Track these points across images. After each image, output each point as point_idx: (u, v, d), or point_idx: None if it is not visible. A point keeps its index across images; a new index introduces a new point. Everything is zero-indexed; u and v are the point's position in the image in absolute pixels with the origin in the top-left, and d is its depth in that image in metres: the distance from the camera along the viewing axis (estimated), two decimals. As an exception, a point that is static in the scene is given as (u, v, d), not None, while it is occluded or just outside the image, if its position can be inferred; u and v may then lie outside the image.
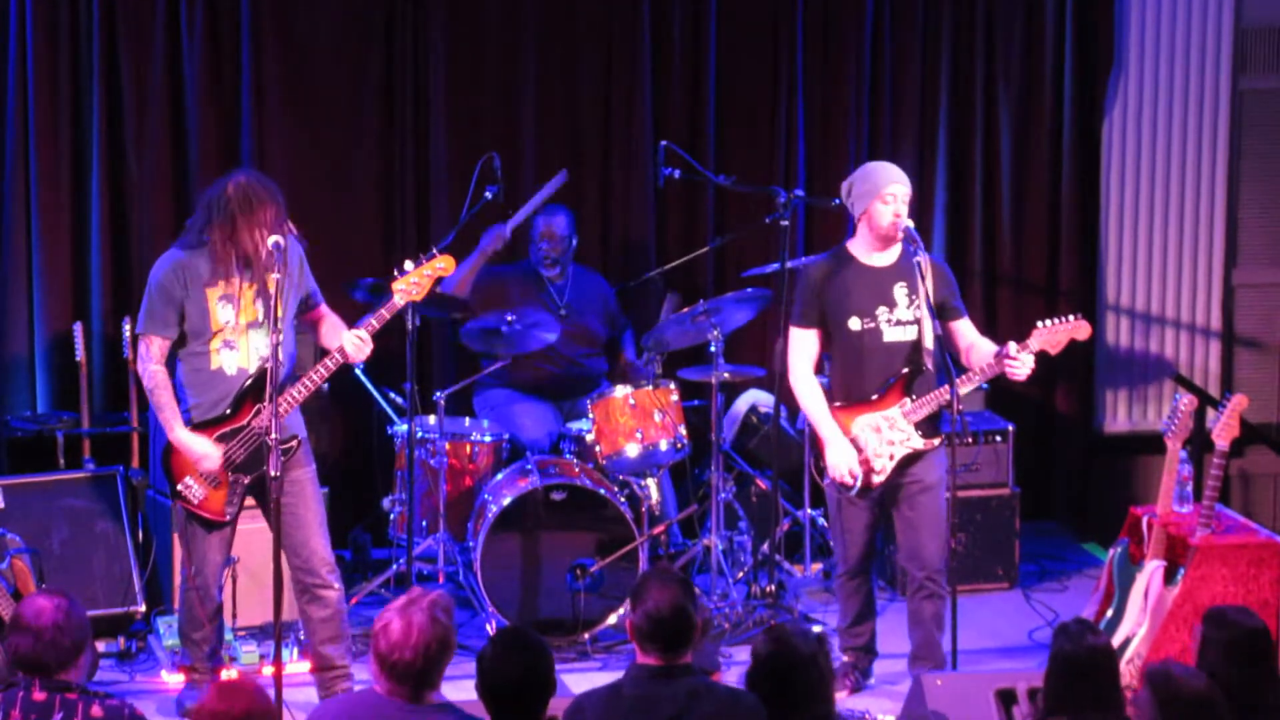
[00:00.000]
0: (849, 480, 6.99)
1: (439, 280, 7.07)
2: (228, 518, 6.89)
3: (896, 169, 7.06)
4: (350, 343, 6.77)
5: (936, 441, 7.04)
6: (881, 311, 7.00)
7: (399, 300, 6.86)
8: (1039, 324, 7.03)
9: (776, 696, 4.98)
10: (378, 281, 7.84)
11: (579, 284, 8.58)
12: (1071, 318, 7.04)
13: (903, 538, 7.17)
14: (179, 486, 6.84)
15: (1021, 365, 6.94)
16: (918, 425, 7.02)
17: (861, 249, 7.07)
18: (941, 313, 7.05)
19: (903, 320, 7.01)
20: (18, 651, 4.98)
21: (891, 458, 7.03)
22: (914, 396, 7.01)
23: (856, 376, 7.03)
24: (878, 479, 7.04)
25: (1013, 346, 6.94)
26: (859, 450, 7.01)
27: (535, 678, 4.83)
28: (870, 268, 7.04)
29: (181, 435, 6.80)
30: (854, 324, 7.01)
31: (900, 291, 7.01)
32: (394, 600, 4.95)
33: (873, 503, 7.11)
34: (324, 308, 7.05)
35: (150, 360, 6.80)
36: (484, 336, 8.27)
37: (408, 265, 6.90)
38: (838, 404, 7.08)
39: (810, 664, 4.98)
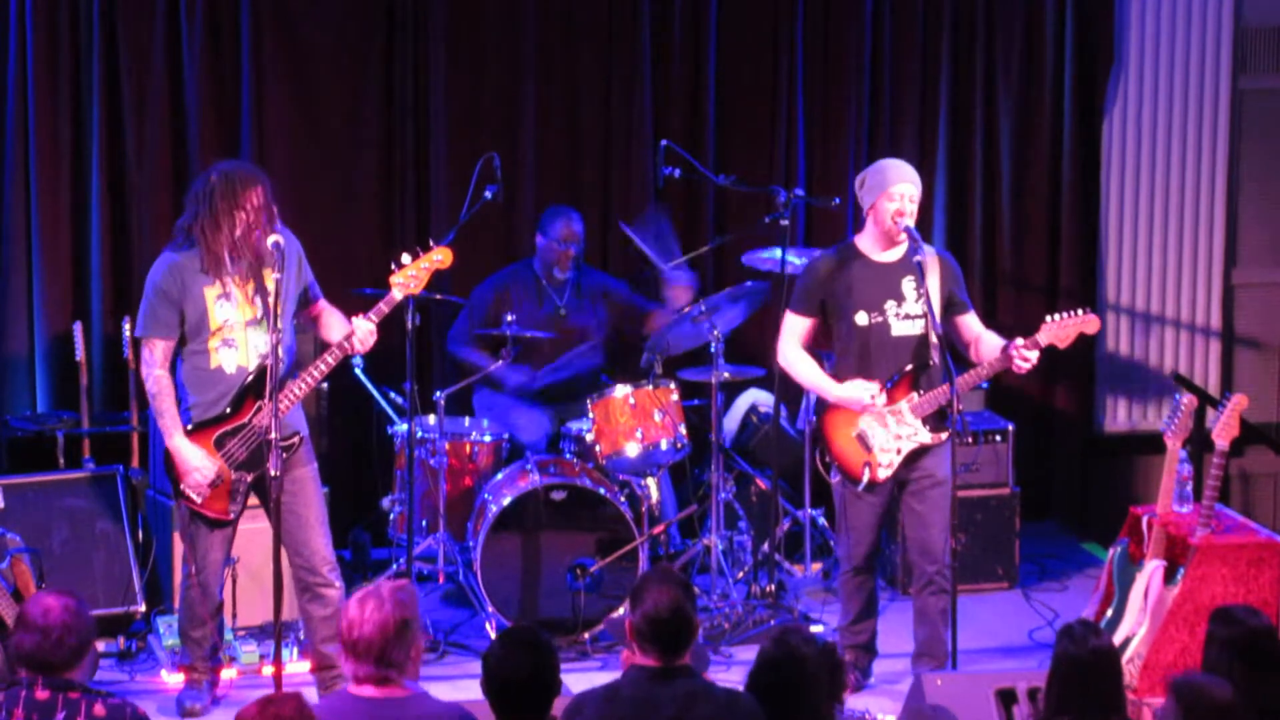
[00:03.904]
0: (875, 401, 6.96)
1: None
2: (231, 516, 6.90)
3: (909, 169, 7.06)
4: (362, 328, 6.75)
5: (944, 436, 7.03)
6: (890, 305, 7.00)
7: (397, 294, 6.85)
8: (1048, 318, 7.03)
9: (779, 701, 4.97)
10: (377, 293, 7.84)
11: (581, 284, 8.57)
12: (1080, 311, 7.04)
13: (912, 532, 7.16)
14: (182, 486, 6.84)
15: (1027, 360, 6.94)
16: (925, 420, 7.02)
17: (869, 244, 7.08)
18: (948, 307, 7.06)
19: (911, 314, 7.01)
20: (24, 650, 4.97)
21: (899, 452, 7.03)
22: (921, 391, 7.01)
23: (863, 371, 7.03)
24: (884, 473, 7.04)
25: (1020, 342, 6.95)
26: (866, 446, 7.01)
27: (541, 676, 4.82)
28: (878, 263, 7.04)
29: (179, 444, 6.80)
30: (861, 319, 7.01)
31: (909, 285, 7.02)
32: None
33: (880, 499, 7.11)
34: (323, 302, 7.04)
35: (154, 365, 6.80)
36: (484, 341, 8.32)
37: (405, 258, 6.90)
38: (844, 398, 7.09)
39: (815, 671, 4.96)
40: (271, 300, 6.59)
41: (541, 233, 8.48)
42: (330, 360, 6.79)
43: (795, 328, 7.13)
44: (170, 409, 6.80)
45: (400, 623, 4.85)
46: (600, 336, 8.58)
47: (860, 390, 6.98)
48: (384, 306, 6.83)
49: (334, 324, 6.97)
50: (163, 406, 6.81)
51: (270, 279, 6.63)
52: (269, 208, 6.73)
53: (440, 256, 6.92)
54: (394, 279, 6.86)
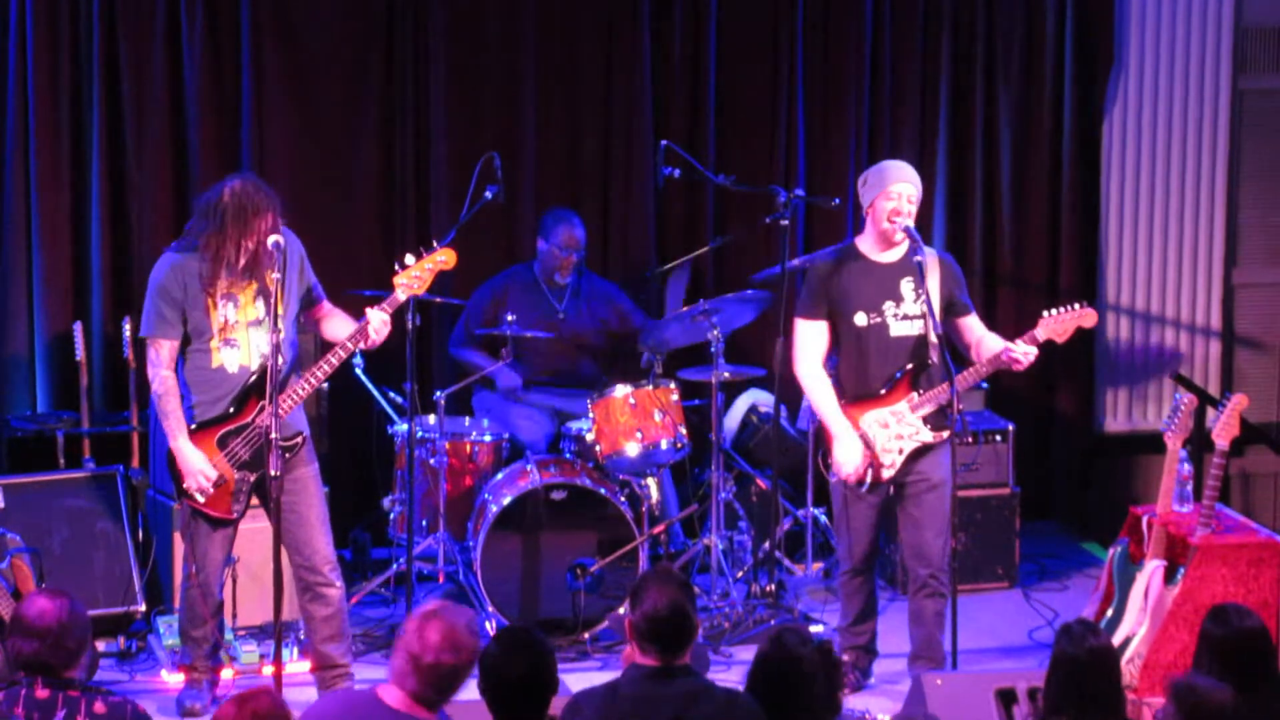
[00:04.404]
0: (854, 479, 6.98)
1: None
2: (235, 515, 6.90)
3: (909, 169, 7.05)
4: (376, 318, 6.73)
5: (945, 434, 7.03)
6: (888, 306, 7.00)
7: (401, 295, 6.85)
8: (1045, 313, 7.04)
9: (776, 701, 4.97)
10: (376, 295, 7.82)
11: (580, 288, 8.57)
12: (1077, 305, 7.04)
13: (907, 535, 7.16)
14: (185, 485, 6.84)
15: (1027, 355, 6.94)
16: (925, 419, 7.02)
17: (868, 245, 7.07)
18: (949, 309, 7.05)
19: (910, 315, 7.01)
20: (22, 654, 4.98)
21: (900, 452, 7.02)
22: (921, 391, 7.01)
23: (863, 372, 7.03)
24: (887, 474, 7.04)
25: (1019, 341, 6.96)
26: (868, 446, 7.01)
27: (538, 676, 4.82)
28: (877, 263, 7.04)
29: (182, 445, 6.80)
30: (860, 319, 7.00)
31: (907, 286, 7.01)
32: (424, 607, 4.91)
33: (879, 499, 7.11)
34: (327, 303, 7.04)
35: (160, 365, 6.80)
36: (483, 342, 8.35)
37: (409, 259, 6.90)
38: (844, 400, 7.07)
39: (812, 670, 4.96)
40: (272, 301, 6.58)
41: (543, 237, 8.48)
42: (334, 360, 6.79)
43: (810, 335, 7.10)
44: (176, 409, 6.80)
45: (473, 655, 4.84)
46: (597, 343, 8.58)
47: (850, 455, 6.97)
48: (387, 307, 6.82)
49: (338, 325, 6.96)
50: (168, 407, 6.81)
51: (271, 280, 6.62)
52: (276, 229, 6.73)
53: (444, 257, 6.91)
54: (398, 279, 6.85)
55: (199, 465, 6.79)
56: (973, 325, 7.16)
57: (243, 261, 6.70)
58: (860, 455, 6.99)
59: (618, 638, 7.68)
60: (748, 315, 8.25)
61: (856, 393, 7.06)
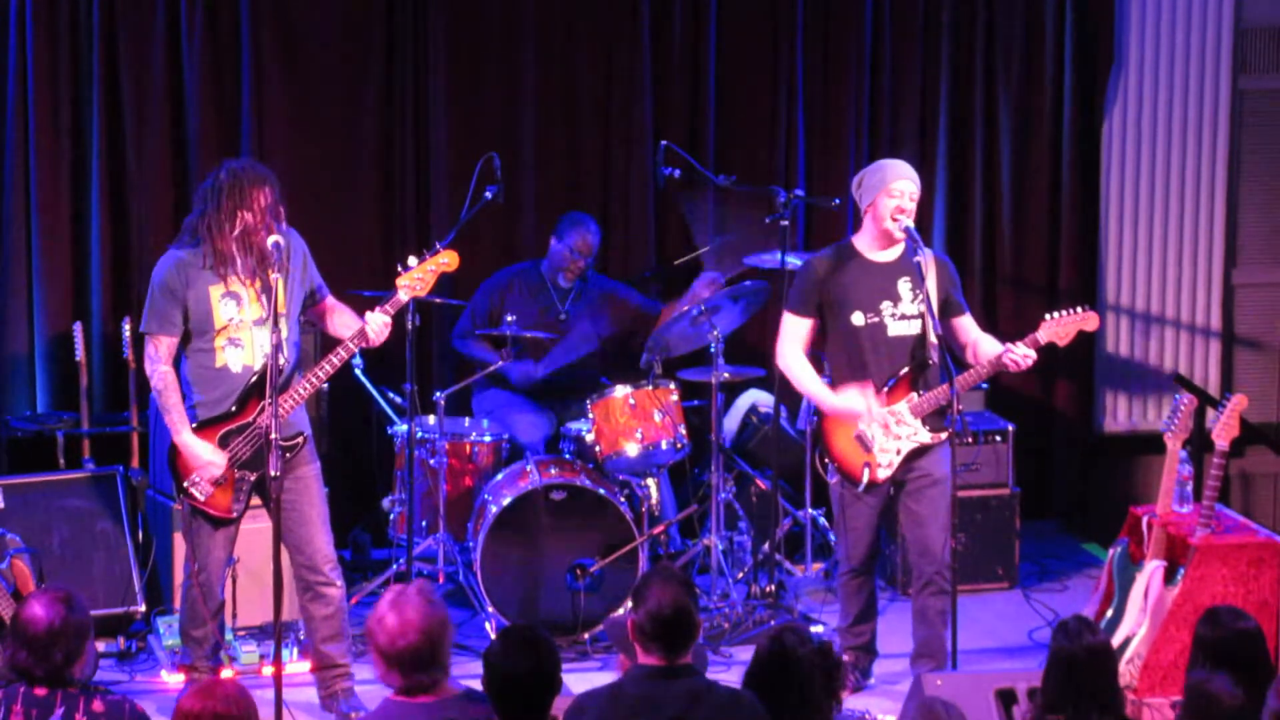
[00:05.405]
0: (874, 420, 6.95)
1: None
2: (234, 514, 6.89)
3: (908, 167, 7.05)
4: (376, 320, 6.73)
5: (943, 435, 7.02)
6: (886, 306, 6.99)
7: (403, 296, 6.84)
8: (1047, 316, 7.03)
9: (775, 699, 4.97)
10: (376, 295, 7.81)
11: (585, 291, 8.57)
12: (1080, 309, 7.04)
13: (909, 533, 7.15)
14: (185, 484, 6.84)
15: (1026, 358, 6.93)
16: (924, 420, 7.01)
17: (866, 244, 7.07)
18: (944, 309, 7.05)
19: (907, 315, 7.00)
20: (17, 662, 4.99)
21: (899, 453, 7.02)
22: (920, 391, 7.01)
23: (860, 372, 7.02)
24: (884, 474, 7.03)
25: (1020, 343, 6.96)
26: (865, 447, 7.00)
27: (542, 675, 4.82)
28: (874, 263, 7.04)
29: (188, 439, 6.79)
30: (857, 319, 7.00)
31: (904, 286, 7.01)
32: (379, 601, 4.94)
33: (878, 499, 7.10)
34: (331, 299, 7.03)
35: (159, 361, 6.80)
36: (484, 340, 8.35)
37: (411, 261, 6.89)
38: (841, 400, 7.08)
39: (810, 669, 4.97)
40: (273, 299, 6.57)
41: (557, 237, 8.48)
42: (335, 361, 6.78)
43: (796, 330, 7.11)
44: (176, 404, 6.79)
45: (440, 622, 4.85)
46: (600, 337, 8.58)
47: (856, 400, 6.97)
48: (390, 308, 6.81)
49: (343, 321, 6.95)
50: (169, 403, 6.80)
51: (271, 278, 6.61)
52: (276, 208, 6.72)
53: (447, 259, 6.89)
54: (400, 281, 6.84)
55: (207, 456, 6.78)
56: (968, 326, 7.15)
57: (239, 230, 6.64)
58: (868, 395, 6.96)
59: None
60: (744, 311, 8.23)
61: (855, 393, 7.06)
